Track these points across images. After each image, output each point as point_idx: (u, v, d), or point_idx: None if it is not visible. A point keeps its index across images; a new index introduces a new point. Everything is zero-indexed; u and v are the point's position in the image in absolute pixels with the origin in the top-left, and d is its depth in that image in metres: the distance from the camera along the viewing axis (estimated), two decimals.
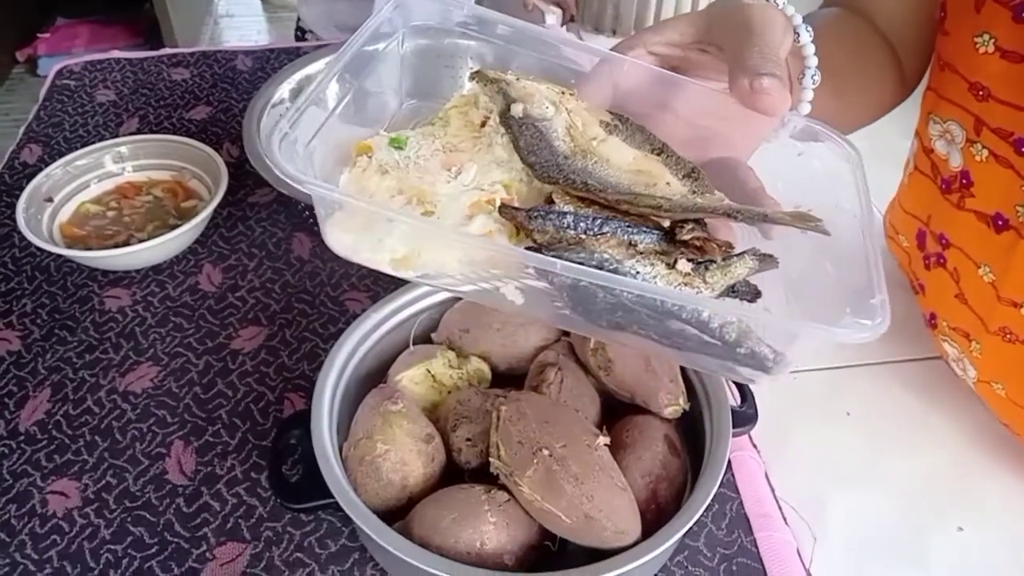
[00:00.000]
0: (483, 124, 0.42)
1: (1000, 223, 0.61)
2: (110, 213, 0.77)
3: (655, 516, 0.50)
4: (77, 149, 0.83)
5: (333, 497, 0.49)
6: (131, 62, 1.04)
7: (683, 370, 0.57)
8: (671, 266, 0.38)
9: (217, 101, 0.97)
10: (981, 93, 0.60)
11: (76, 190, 0.77)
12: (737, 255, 0.39)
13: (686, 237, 0.38)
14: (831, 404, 0.72)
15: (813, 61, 0.49)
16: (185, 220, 0.73)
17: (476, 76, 0.43)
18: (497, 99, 0.41)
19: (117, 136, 0.91)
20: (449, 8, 0.45)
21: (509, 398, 0.52)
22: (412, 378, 0.59)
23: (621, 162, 0.41)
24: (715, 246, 0.38)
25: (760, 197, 0.42)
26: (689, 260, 0.38)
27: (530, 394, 0.54)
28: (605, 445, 0.50)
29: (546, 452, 0.48)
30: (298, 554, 0.54)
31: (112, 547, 0.54)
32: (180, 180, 0.80)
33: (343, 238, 0.38)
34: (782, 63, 0.43)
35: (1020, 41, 0.56)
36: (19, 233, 0.71)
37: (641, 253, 0.38)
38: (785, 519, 0.60)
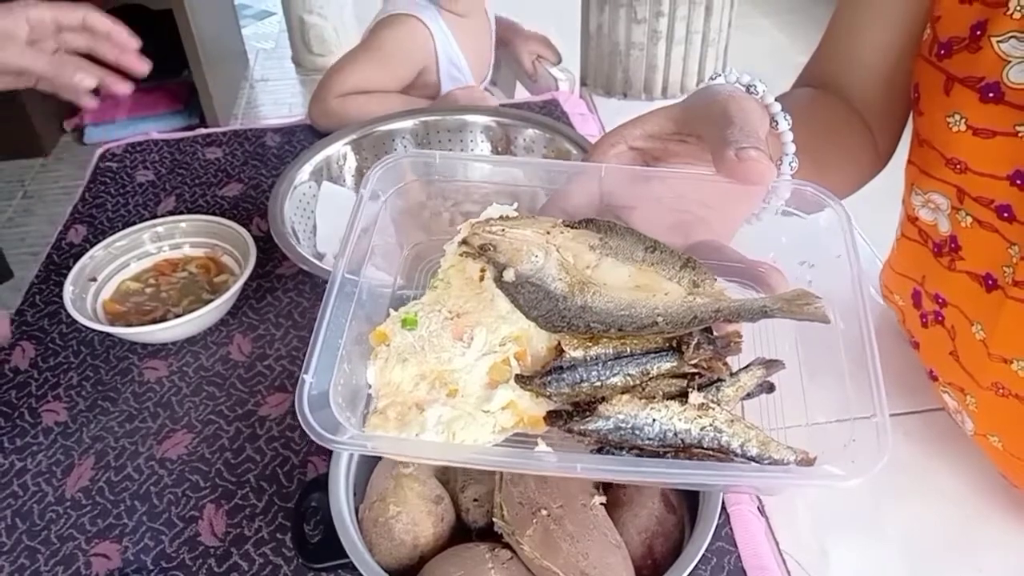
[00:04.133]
0: (482, 278, 0.45)
1: (990, 283, 0.64)
2: (148, 290, 0.83)
3: (651, 571, 0.53)
4: (119, 228, 0.89)
5: (349, 557, 0.53)
6: (168, 143, 1.12)
7: None
8: (683, 400, 0.40)
9: (247, 178, 1.03)
10: (959, 167, 0.63)
11: (117, 269, 0.84)
12: (744, 368, 0.41)
13: (693, 361, 0.40)
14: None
15: (791, 148, 0.51)
16: (217, 294, 0.78)
17: (464, 247, 0.46)
18: (488, 268, 0.44)
19: (156, 213, 0.98)
20: (422, 163, 0.48)
21: None
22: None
23: (618, 282, 0.43)
24: (721, 366, 0.40)
25: (760, 270, 0.44)
26: (700, 387, 0.40)
27: None
28: (601, 504, 0.54)
29: (544, 512, 0.52)
30: None
31: None
32: (213, 256, 0.86)
33: (386, 449, 0.43)
34: (763, 140, 0.45)
35: (988, 119, 0.59)
36: (66, 310, 0.77)
37: (651, 396, 0.40)
38: (788, 572, 0.63)
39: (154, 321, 0.78)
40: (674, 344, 0.41)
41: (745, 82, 0.51)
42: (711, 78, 0.53)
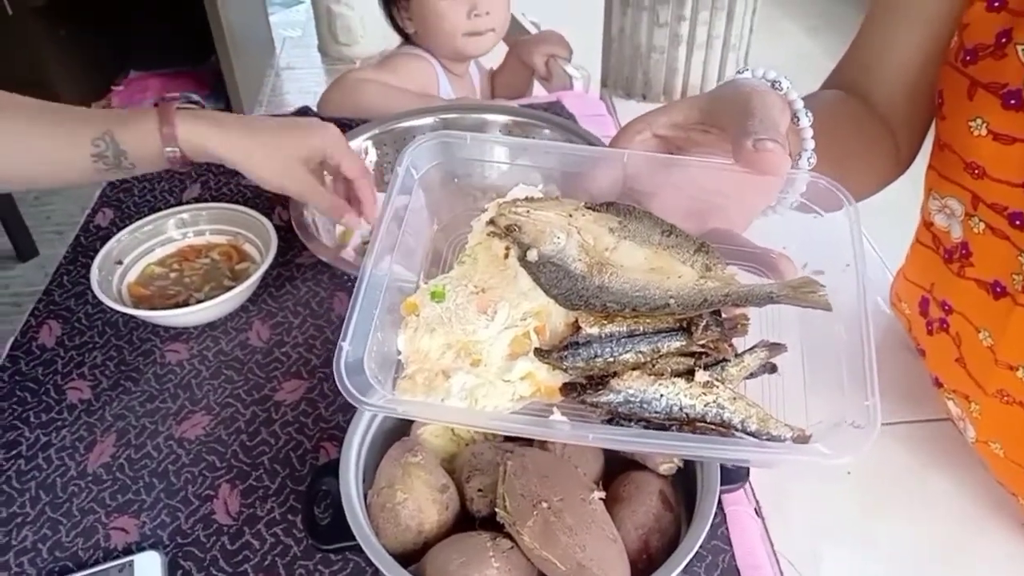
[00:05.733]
0: (506, 256, 0.47)
1: (998, 290, 0.65)
2: (172, 274, 0.86)
3: (646, 565, 0.55)
4: (145, 212, 0.92)
5: (357, 540, 0.55)
6: None
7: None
8: (690, 377, 0.42)
9: None
10: (976, 172, 0.64)
11: (143, 253, 0.87)
12: (748, 350, 0.44)
13: (701, 342, 0.43)
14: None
15: (811, 144, 0.53)
16: (239, 281, 0.81)
17: (490, 227, 0.48)
18: (513, 247, 0.47)
19: (181, 200, 1.00)
20: (453, 143, 0.51)
21: (515, 453, 0.57)
22: (433, 431, 0.65)
23: (635, 264, 0.46)
24: (727, 347, 0.43)
25: (771, 257, 0.47)
26: (706, 367, 0.43)
27: (534, 450, 0.59)
28: (600, 499, 0.56)
29: (545, 505, 0.53)
30: None
31: None
32: (235, 244, 0.88)
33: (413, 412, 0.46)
34: (782, 133, 0.47)
35: (1010, 125, 0.60)
36: (92, 291, 0.80)
37: (660, 373, 0.43)
38: (781, 573, 0.64)
39: (177, 305, 0.81)
40: (684, 325, 0.44)
41: (771, 77, 0.53)
42: (738, 72, 0.55)
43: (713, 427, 0.43)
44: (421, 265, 0.50)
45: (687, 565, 0.53)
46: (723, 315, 0.46)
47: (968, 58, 0.63)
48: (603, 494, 0.56)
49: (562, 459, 0.60)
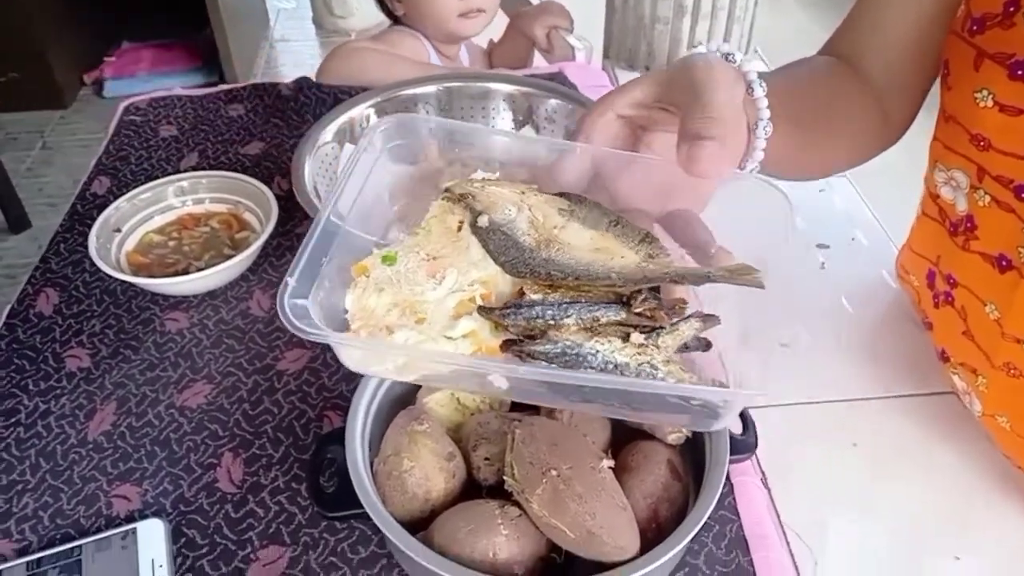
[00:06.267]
0: (459, 228, 0.49)
1: (1004, 263, 0.65)
2: (171, 243, 0.84)
3: (655, 534, 0.55)
4: (142, 181, 0.91)
5: (364, 508, 0.54)
6: (191, 98, 1.13)
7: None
8: (626, 339, 0.43)
9: (269, 137, 1.04)
10: (982, 144, 0.63)
11: (141, 221, 0.85)
12: (683, 319, 0.45)
13: (638, 309, 0.44)
14: (838, 435, 0.76)
15: (766, 113, 0.54)
16: (239, 250, 0.80)
17: (446, 194, 0.50)
18: (466, 213, 0.48)
19: (178, 169, 0.99)
20: (419, 124, 0.52)
21: (523, 422, 0.57)
22: (438, 401, 0.64)
23: (581, 243, 0.47)
24: (663, 315, 0.44)
25: (708, 248, 0.49)
26: (643, 331, 0.44)
27: (542, 419, 0.59)
28: (609, 468, 0.55)
29: (554, 472, 0.53)
30: (332, 558, 0.59)
31: None
32: (235, 213, 0.87)
33: (353, 356, 0.47)
34: (724, 122, 0.48)
35: (1016, 97, 0.60)
36: (90, 259, 0.79)
37: (599, 333, 0.44)
38: (788, 543, 0.64)
39: (176, 273, 0.79)
40: (624, 299, 0.45)
41: (725, 51, 0.54)
42: (693, 47, 0.56)
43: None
44: (376, 236, 0.50)
45: (695, 534, 0.53)
46: (662, 294, 0.47)
47: (975, 27, 0.62)
48: (612, 463, 0.55)
49: (570, 428, 0.59)
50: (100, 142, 1.05)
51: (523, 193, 0.49)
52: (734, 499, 0.63)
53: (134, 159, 1.01)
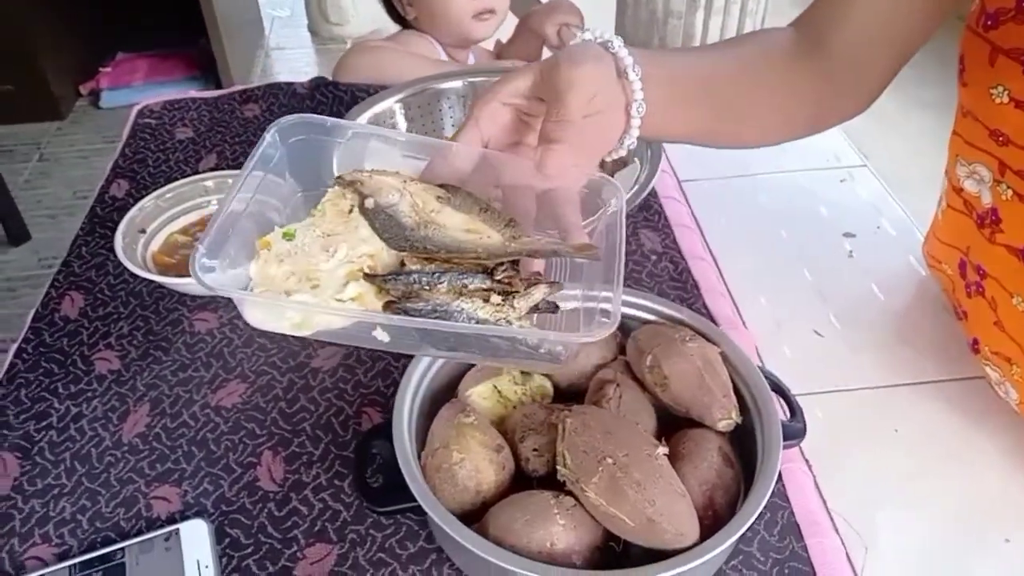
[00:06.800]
0: (351, 211, 0.55)
1: None
2: (196, 243, 0.83)
3: (712, 521, 0.54)
4: (161, 183, 0.90)
5: (414, 501, 0.53)
6: (206, 101, 1.12)
7: (735, 386, 0.61)
8: (487, 300, 0.50)
9: None
10: (1001, 139, 0.63)
11: (165, 222, 0.84)
12: (533, 285, 0.52)
13: (499, 277, 0.51)
14: (879, 422, 0.76)
15: (639, 95, 0.57)
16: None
17: (338, 180, 0.56)
18: (354, 197, 0.55)
19: (197, 170, 0.98)
20: (316, 123, 0.58)
21: (575, 411, 0.56)
22: (480, 394, 0.63)
23: (454, 225, 0.54)
24: (519, 281, 0.51)
25: (571, 230, 0.54)
26: (500, 294, 0.51)
27: (593, 408, 0.58)
28: (664, 455, 0.54)
29: (610, 460, 0.52)
30: (380, 555, 0.59)
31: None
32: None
33: (255, 314, 0.51)
34: (574, 124, 0.54)
35: None
36: (113, 261, 0.77)
37: (466, 295, 0.51)
38: (836, 529, 0.64)
39: None
40: (489, 271, 0.52)
41: (605, 38, 0.58)
42: (578, 34, 0.60)
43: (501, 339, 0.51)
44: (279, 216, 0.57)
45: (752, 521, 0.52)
46: (521, 268, 0.53)
47: (989, 23, 0.62)
48: (667, 449, 0.55)
49: (622, 417, 0.59)
50: (100, 152, 1.05)
51: (405, 182, 0.56)
52: (783, 486, 0.63)
53: (151, 162, 1.00)
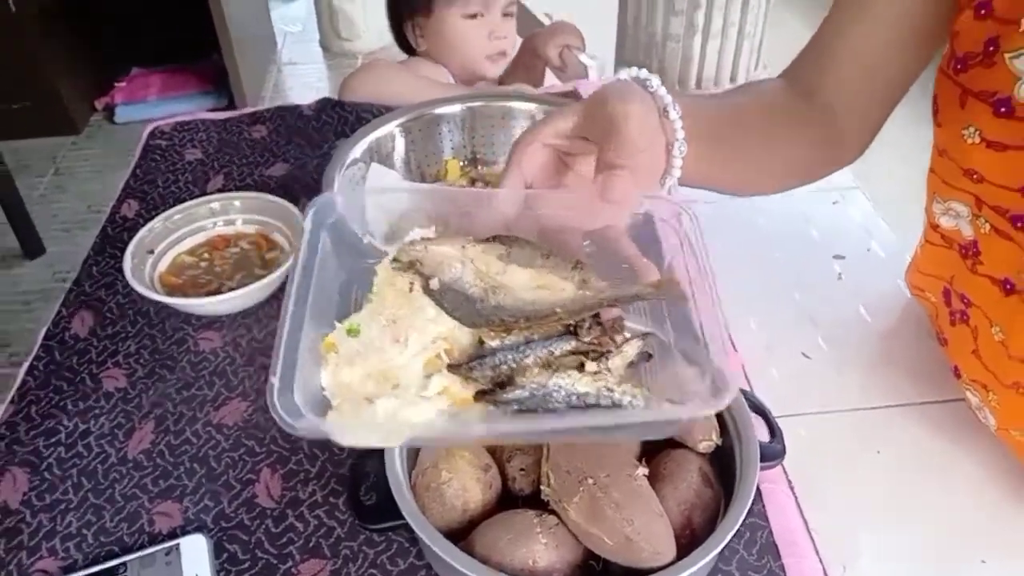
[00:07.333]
0: (410, 289, 0.52)
1: (1008, 287, 0.66)
2: (203, 264, 0.86)
3: (690, 540, 0.56)
4: (170, 204, 0.93)
5: (404, 519, 0.56)
6: (215, 122, 1.15)
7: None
8: (581, 369, 0.48)
9: (293, 158, 1.06)
10: (975, 176, 0.65)
11: (173, 243, 0.87)
12: (626, 340, 0.50)
13: (587, 340, 0.49)
14: (862, 443, 0.77)
15: (680, 134, 0.57)
16: (269, 269, 0.82)
17: (395, 264, 0.53)
18: (416, 279, 0.52)
19: (205, 191, 1.01)
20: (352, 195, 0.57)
21: None
22: None
23: (522, 284, 0.53)
24: (608, 340, 0.50)
25: (635, 261, 0.53)
26: (593, 358, 0.49)
27: None
28: (644, 475, 0.56)
29: (591, 481, 0.55)
30: (372, 571, 0.61)
31: None
32: (264, 233, 0.89)
33: (347, 437, 0.49)
34: (635, 152, 0.53)
35: (1001, 132, 0.61)
36: (122, 281, 0.80)
37: (558, 368, 0.48)
38: (816, 549, 0.65)
39: (209, 294, 0.81)
40: (571, 329, 0.50)
41: (643, 77, 0.58)
42: (616, 74, 0.60)
43: (607, 408, 0.48)
44: (334, 308, 0.53)
45: (728, 541, 0.54)
46: (602, 317, 0.52)
47: (959, 66, 0.64)
48: (647, 470, 0.57)
49: None
50: (114, 167, 1.08)
51: (463, 248, 0.54)
52: (763, 506, 0.64)
53: (161, 182, 1.03)
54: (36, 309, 2.19)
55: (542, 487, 0.57)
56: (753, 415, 0.63)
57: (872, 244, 0.98)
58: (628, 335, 0.51)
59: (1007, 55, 0.59)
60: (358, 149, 0.86)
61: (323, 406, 0.48)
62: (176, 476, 0.68)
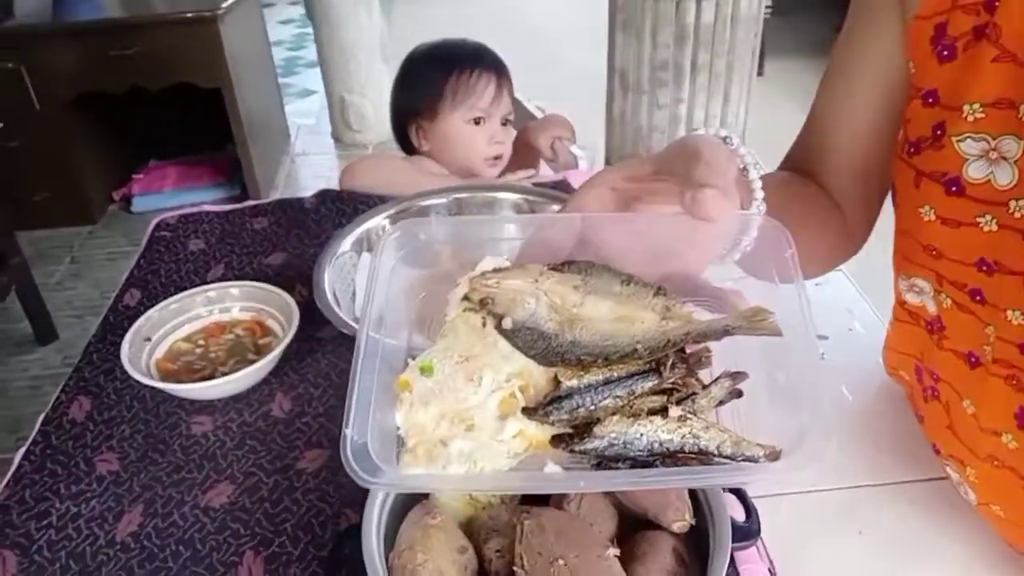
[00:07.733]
0: (484, 324, 0.51)
1: (973, 360, 0.68)
2: (198, 350, 0.89)
3: None
4: (171, 292, 0.96)
5: None
6: (218, 214, 1.20)
7: (690, 489, 0.64)
8: (664, 414, 0.46)
9: (291, 247, 1.11)
10: (934, 252, 0.68)
11: (171, 330, 0.90)
12: (713, 381, 0.48)
13: (670, 380, 0.47)
14: (844, 523, 0.77)
15: (760, 195, 0.56)
16: (262, 355, 0.84)
17: (466, 303, 0.52)
18: (489, 319, 0.51)
19: (206, 280, 1.05)
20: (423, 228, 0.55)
21: (532, 513, 0.59)
22: (451, 495, 0.67)
23: (601, 316, 0.50)
24: (694, 381, 0.47)
25: (722, 294, 0.51)
26: (678, 403, 0.46)
27: (550, 510, 0.61)
28: (615, 556, 0.57)
29: (561, 562, 0.55)
30: None
31: None
32: (259, 320, 0.92)
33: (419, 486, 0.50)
34: (727, 177, 0.50)
35: (953, 210, 0.64)
36: (121, 367, 0.83)
37: (638, 414, 0.46)
38: None
39: (203, 379, 0.84)
40: (653, 366, 0.48)
41: (722, 135, 0.56)
42: (690, 131, 0.59)
43: (692, 456, 0.46)
44: (407, 343, 0.53)
45: None
46: (687, 351, 0.49)
47: (912, 150, 0.68)
48: (618, 551, 0.57)
49: (577, 518, 0.62)
50: (127, 255, 1.12)
51: (536, 280, 0.51)
52: None
53: (164, 272, 1.07)
54: (45, 394, 2.22)
55: (515, 568, 0.57)
56: (729, 494, 0.64)
57: (854, 324, 1.00)
58: (715, 373, 0.49)
59: (954, 138, 0.63)
60: (348, 241, 0.90)
61: (397, 444, 0.48)
62: (161, 559, 0.69)
